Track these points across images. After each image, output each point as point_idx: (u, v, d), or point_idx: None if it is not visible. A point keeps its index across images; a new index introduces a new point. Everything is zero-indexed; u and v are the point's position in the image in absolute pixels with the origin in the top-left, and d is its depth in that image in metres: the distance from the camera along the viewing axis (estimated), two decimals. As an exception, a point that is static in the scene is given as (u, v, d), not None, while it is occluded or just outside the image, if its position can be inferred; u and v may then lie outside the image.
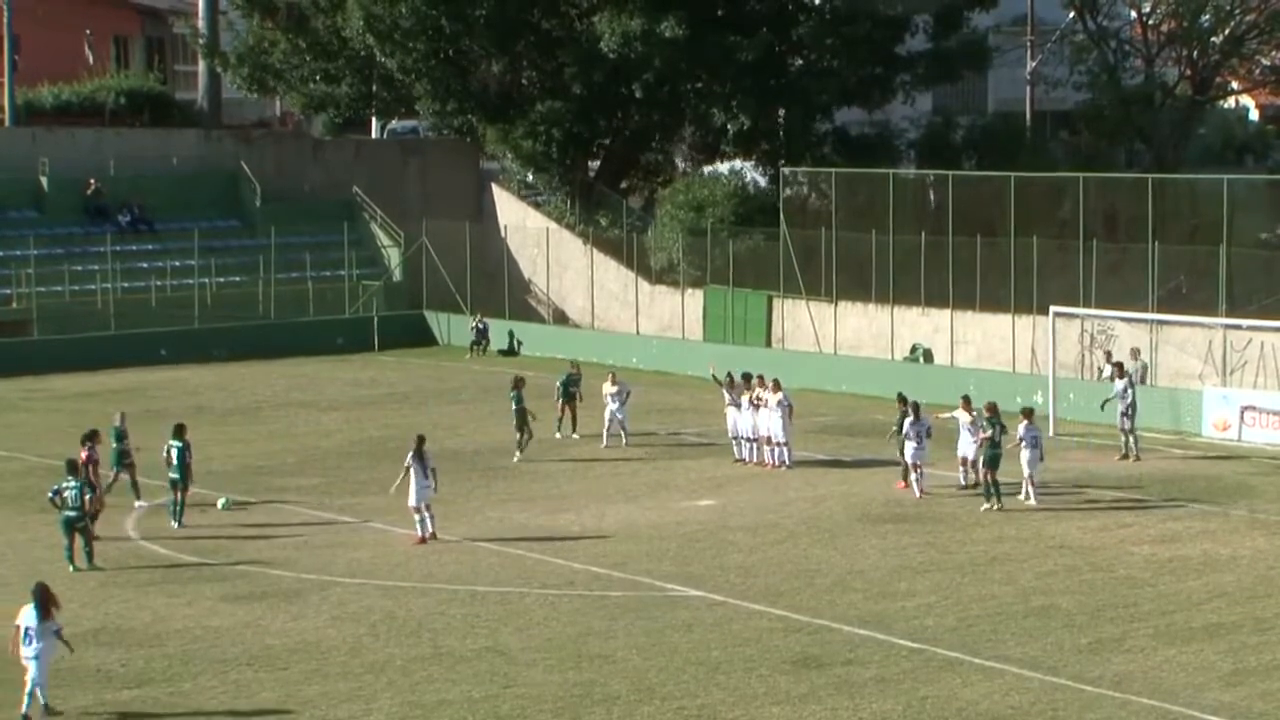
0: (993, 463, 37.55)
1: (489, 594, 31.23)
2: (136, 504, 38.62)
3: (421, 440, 35.93)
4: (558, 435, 46.74)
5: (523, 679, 26.40)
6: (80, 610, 30.31)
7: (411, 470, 35.32)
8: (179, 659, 27.65)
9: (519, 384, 45.08)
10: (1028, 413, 38.81)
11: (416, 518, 35.46)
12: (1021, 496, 38.36)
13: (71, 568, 33.21)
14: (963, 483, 39.60)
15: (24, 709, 25.14)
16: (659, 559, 33.70)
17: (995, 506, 37.36)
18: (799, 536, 35.59)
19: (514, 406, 44.55)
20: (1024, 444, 38.10)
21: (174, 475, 36.85)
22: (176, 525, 36.73)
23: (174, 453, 36.86)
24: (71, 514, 33.35)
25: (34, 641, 25.26)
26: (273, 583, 32.30)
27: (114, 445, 38.93)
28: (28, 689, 25.18)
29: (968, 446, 39.30)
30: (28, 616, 25.46)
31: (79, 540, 33.42)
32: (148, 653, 27.98)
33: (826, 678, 26.28)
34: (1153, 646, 27.67)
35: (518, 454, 44.18)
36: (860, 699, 25.31)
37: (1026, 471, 38.29)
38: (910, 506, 38.18)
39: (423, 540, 35.22)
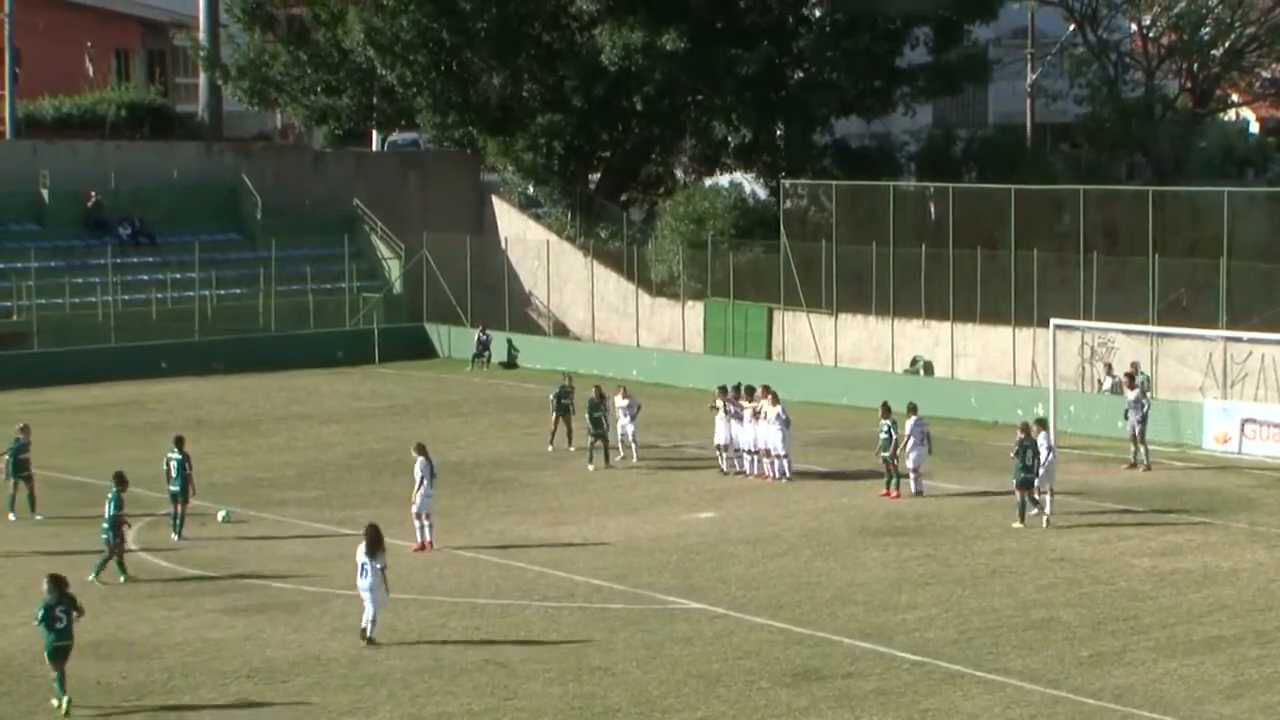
0: (1025, 484, 37.34)
1: (489, 606, 31.23)
2: (34, 516, 38.75)
3: (424, 447, 36.29)
4: (550, 449, 46.74)
5: (523, 691, 26.40)
6: (80, 622, 30.28)
7: (422, 478, 35.61)
8: (179, 671, 27.64)
9: (597, 394, 45.28)
10: (913, 408, 40.58)
11: (418, 525, 35.60)
12: (913, 490, 40.21)
13: (122, 577, 33.30)
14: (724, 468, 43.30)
15: (369, 634, 28.80)
16: (659, 571, 33.69)
17: (1026, 524, 37.13)
18: (799, 549, 35.58)
19: (589, 415, 44.81)
20: (912, 440, 40.13)
21: (174, 488, 36.89)
22: (177, 538, 36.72)
23: (174, 465, 36.91)
24: (104, 525, 33.49)
25: (367, 575, 28.86)
26: (273, 595, 32.30)
27: (9, 457, 39.14)
28: (367, 618, 28.80)
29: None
30: (360, 554, 29.08)
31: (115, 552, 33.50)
32: (148, 665, 27.99)
33: (827, 690, 26.27)
34: (1153, 659, 27.66)
35: (604, 463, 44.51)
36: (861, 712, 25.30)
37: (912, 465, 40.28)
38: (911, 519, 38.19)
39: (421, 548, 35.32)
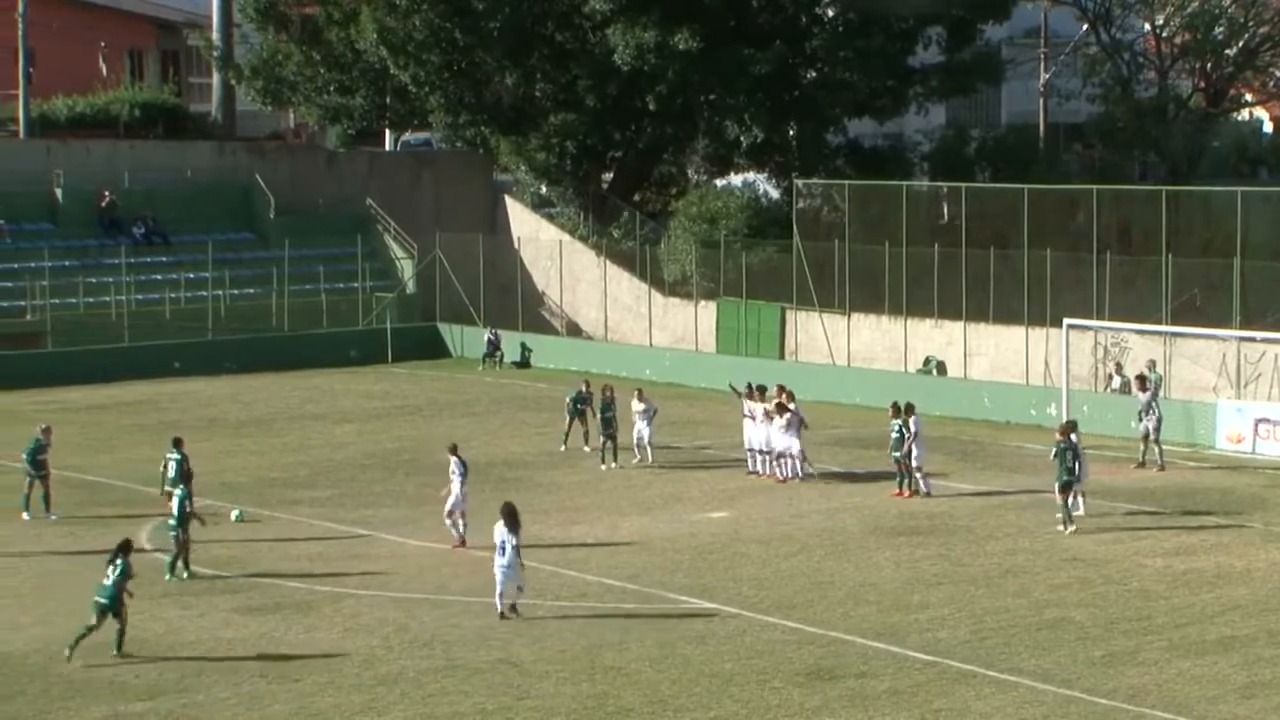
0: (1066, 486, 36.90)
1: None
2: (48, 516, 38.74)
3: (457, 447, 36.57)
4: (563, 449, 46.76)
5: (536, 691, 26.41)
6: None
7: (455, 477, 35.73)
8: (192, 670, 27.68)
9: (608, 394, 45.45)
10: (910, 408, 40.64)
11: (449, 522, 35.69)
12: (922, 490, 40.25)
13: (169, 576, 33.25)
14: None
15: (509, 605, 30.27)
16: (672, 571, 33.69)
17: (1069, 529, 36.68)
18: (812, 549, 35.58)
19: (601, 415, 44.98)
20: (918, 438, 40.29)
21: (169, 489, 36.51)
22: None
23: (171, 465, 36.66)
24: (171, 522, 33.47)
25: (505, 553, 30.22)
26: (286, 594, 32.33)
27: (26, 456, 39.07)
28: (502, 592, 30.25)
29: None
30: (499, 532, 30.35)
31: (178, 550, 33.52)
32: (161, 664, 28.03)
33: (839, 690, 26.26)
34: (1167, 659, 27.64)
35: (614, 464, 44.56)
36: (873, 711, 25.29)
37: (917, 464, 40.34)
38: (923, 519, 38.17)
39: (461, 544, 35.39)
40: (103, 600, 28.41)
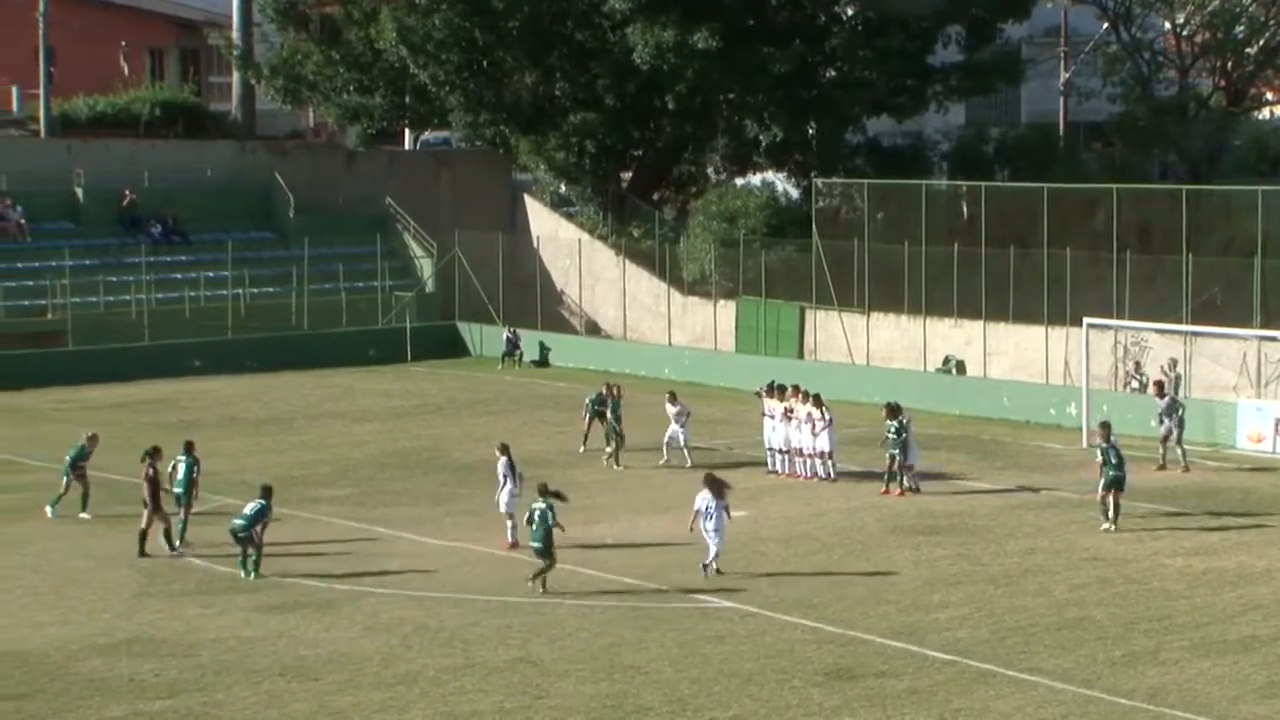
0: (1116, 484, 36.63)
1: (521, 604, 31.26)
2: (82, 515, 38.79)
3: (507, 446, 36.53)
4: (582, 450, 46.73)
5: (555, 690, 26.42)
6: (114, 620, 30.46)
7: (504, 477, 35.84)
8: (212, 669, 27.72)
9: (616, 392, 45.64)
10: (899, 408, 40.99)
11: (509, 524, 35.64)
12: (913, 487, 40.61)
13: (243, 574, 33.25)
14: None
15: (715, 568, 32.48)
16: (691, 570, 33.65)
17: (1111, 528, 36.49)
18: (831, 548, 35.57)
19: (611, 414, 45.17)
20: (910, 437, 40.70)
21: (177, 490, 36.38)
22: (175, 546, 35.74)
23: (181, 468, 36.54)
24: (239, 522, 33.39)
25: (712, 517, 32.28)
26: (306, 593, 32.36)
27: (68, 457, 39.10)
28: (712, 555, 32.51)
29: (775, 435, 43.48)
30: (705, 499, 32.36)
31: (251, 551, 33.43)
32: (181, 663, 28.07)
33: (859, 689, 26.25)
34: (1187, 659, 27.58)
35: (616, 466, 44.67)
36: (893, 711, 25.27)
37: (911, 462, 40.78)
38: (943, 518, 38.13)
39: (513, 546, 35.39)
40: (536, 544, 31.71)
